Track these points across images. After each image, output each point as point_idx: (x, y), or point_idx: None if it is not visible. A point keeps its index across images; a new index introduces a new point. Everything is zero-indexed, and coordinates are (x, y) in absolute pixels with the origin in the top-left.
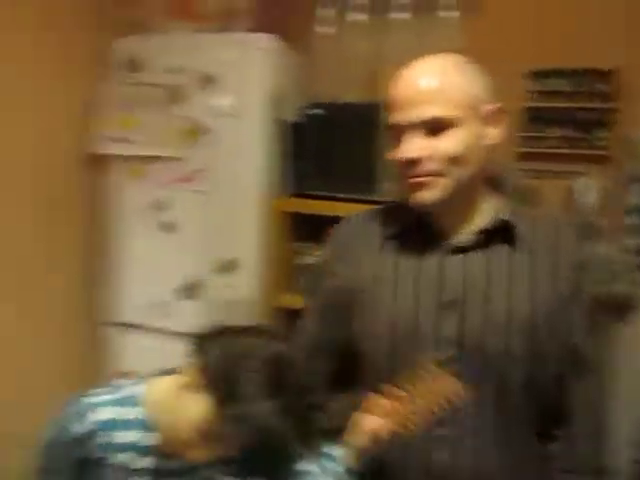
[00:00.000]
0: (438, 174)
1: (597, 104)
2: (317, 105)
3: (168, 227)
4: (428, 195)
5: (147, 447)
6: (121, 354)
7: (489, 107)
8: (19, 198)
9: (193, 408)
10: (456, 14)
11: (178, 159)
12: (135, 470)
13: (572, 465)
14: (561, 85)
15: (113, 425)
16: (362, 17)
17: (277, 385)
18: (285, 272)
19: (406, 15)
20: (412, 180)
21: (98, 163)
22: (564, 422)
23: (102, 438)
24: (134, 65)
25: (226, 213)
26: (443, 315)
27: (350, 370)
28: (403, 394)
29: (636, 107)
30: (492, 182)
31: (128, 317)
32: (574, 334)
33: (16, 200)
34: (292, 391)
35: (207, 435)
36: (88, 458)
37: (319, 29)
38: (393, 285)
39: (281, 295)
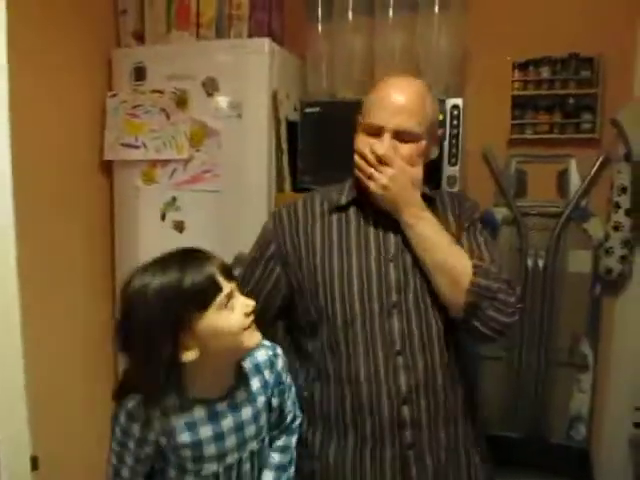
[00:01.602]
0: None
1: (582, 90)
2: (314, 104)
3: (180, 227)
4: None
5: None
6: None
7: (440, 131)
8: (41, 204)
9: None
10: (445, 12)
11: (187, 161)
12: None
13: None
14: (546, 73)
15: None
16: (355, 17)
17: None
18: None
19: (398, 14)
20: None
21: (111, 169)
22: None
23: None
24: (140, 73)
25: (234, 210)
26: (387, 268)
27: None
28: None
29: (618, 91)
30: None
31: None
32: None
33: (38, 205)
34: None
35: None
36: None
37: (313, 31)
38: (343, 251)
39: None
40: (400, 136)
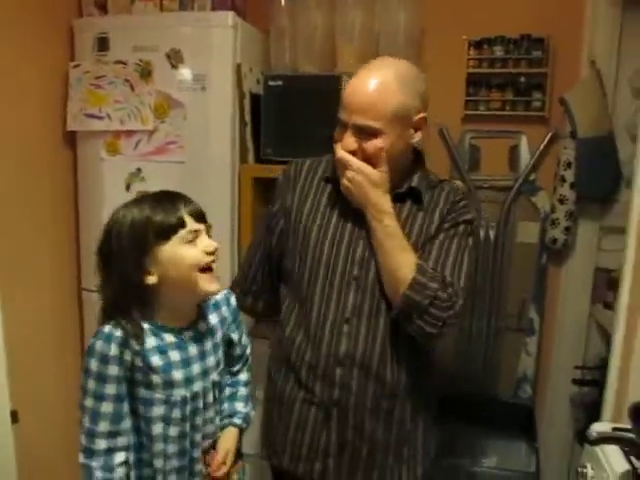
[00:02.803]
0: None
1: (533, 69)
2: (277, 77)
3: None
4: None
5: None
6: None
7: (418, 116)
8: (3, 175)
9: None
10: None
11: (151, 132)
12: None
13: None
14: (500, 52)
15: None
16: None
17: None
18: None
19: None
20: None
21: (75, 140)
22: None
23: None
24: (103, 44)
25: (199, 181)
26: (357, 243)
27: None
28: None
29: (567, 71)
30: (418, 158)
31: None
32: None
33: (0, 177)
34: None
35: None
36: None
37: (276, 5)
38: (324, 219)
39: None
40: (362, 131)
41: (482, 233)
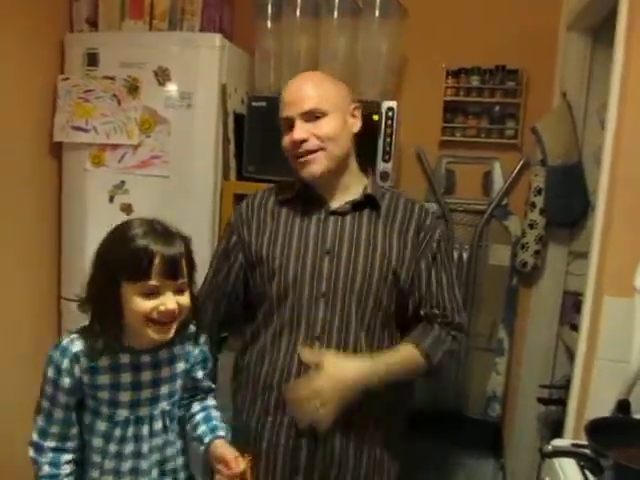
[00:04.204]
0: (320, 149)
1: (507, 99)
2: (260, 98)
3: (128, 209)
4: (315, 168)
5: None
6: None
7: (353, 105)
8: None
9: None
10: (385, 18)
11: (136, 146)
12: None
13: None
14: (476, 82)
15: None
16: (302, 17)
17: None
18: None
19: (342, 17)
20: (302, 159)
21: (61, 151)
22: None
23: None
24: (92, 59)
25: (181, 195)
26: (323, 259)
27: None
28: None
29: (539, 102)
30: (360, 166)
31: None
32: (420, 271)
33: None
34: None
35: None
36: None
37: (262, 28)
38: (285, 240)
39: None
40: (311, 116)
41: (456, 254)
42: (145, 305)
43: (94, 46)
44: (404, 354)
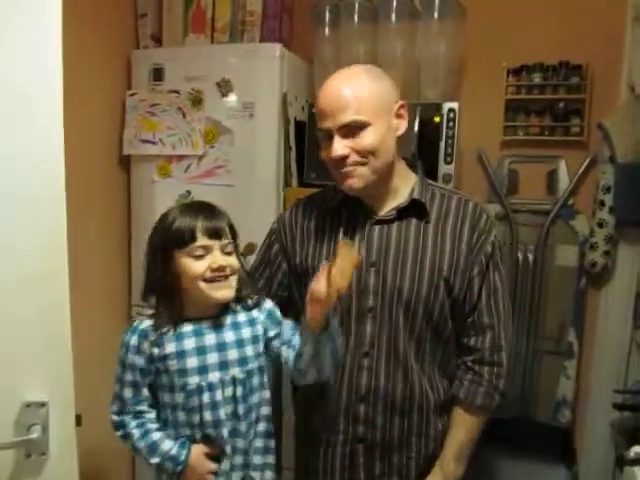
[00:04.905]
0: (361, 164)
1: (571, 95)
2: None
3: None
4: (355, 182)
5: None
6: None
7: (397, 104)
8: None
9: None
10: (444, 20)
11: (201, 157)
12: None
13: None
14: (538, 79)
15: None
16: (360, 24)
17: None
18: None
19: (400, 21)
20: (342, 170)
21: (129, 163)
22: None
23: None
24: (158, 74)
25: (245, 203)
26: (368, 272)
27: None
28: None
29: (605, 97)
30: (409, 166)
31: None
32: (472, 277)
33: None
34: None
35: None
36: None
37: (320, 36)
38: (330, 251)
39: None
40: (350, 130)
41: (520, 256)
42: (197, 266)
43: (159, 61)
44: (459, 430)
